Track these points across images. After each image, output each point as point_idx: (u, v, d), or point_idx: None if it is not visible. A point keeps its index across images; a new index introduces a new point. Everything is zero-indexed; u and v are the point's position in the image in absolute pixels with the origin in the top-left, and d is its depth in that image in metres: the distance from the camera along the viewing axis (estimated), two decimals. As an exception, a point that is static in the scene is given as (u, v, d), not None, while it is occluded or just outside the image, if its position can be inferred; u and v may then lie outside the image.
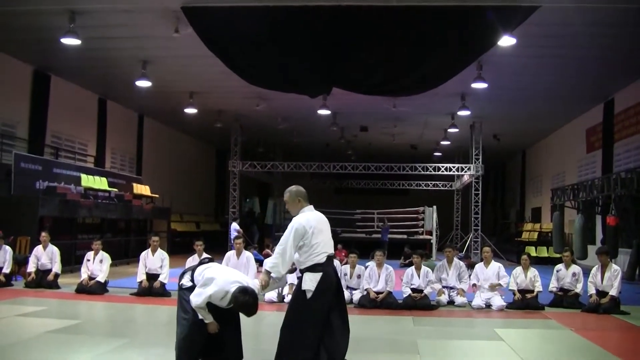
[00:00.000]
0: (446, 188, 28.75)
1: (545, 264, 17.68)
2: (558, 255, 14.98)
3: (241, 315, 5.11)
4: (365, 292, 9.36)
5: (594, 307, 8.91)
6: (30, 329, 6.92)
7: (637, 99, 15.51)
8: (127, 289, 10.52)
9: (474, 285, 9.54)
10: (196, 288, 4.99)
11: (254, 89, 14.81)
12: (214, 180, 30.04)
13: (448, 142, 23.88)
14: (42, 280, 10.54)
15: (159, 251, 10.31)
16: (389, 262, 10.07)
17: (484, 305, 9.26)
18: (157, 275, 10.04)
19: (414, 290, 9.33)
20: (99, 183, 16.57)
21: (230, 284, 4.90)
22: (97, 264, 10.33)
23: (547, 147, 24.73)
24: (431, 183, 28.51)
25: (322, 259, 4.96)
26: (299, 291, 4.99)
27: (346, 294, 9.00)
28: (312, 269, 4.94)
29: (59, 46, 12.23)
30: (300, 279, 5.05)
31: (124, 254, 16.78)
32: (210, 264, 5.34)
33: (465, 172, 22.43)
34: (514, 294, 9.39)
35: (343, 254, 14.22)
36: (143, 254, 10.28)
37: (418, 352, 6.23)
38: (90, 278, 10.21)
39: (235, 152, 22.35)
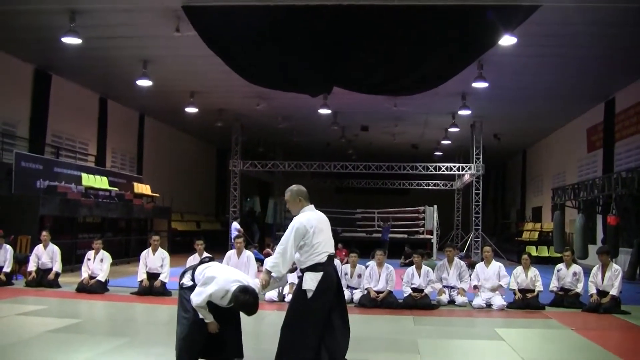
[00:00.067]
0: (447, 187, 28.76)
1: (545, 263, 17.68)
2: (559, 255, 14.97)
3: (242, 315, 5.11)
4: (365, 292, 9.36)
5: (594, 307, 8.90)
6: (30, 328, 6.93)
7: (638, 98, 15.50)
8: (127, 288, 10.52)
9: (476, 287, 9.51)
10: (197, 287, 5.00)
11: (255, 88, 14.80)
12: (214, 180, 30.06)
13: (449, 142, 23.88)
14: (43, 280, 10.55)
15: (160, 250, 10.31)
16: (390, 261, 10.06)
17: (485, 305, 9.26)
18: (158, 275, 10.04)
19: (414, 289, 9.33)
20: (100, 182, 16.58)
21: (230, 283, 4.91)
22: (97, 263, 10.33)
23: (548, 146, 24.72)
24: (432, 182, 28.51)
25: (322, 258, 4.96)
26: (299, 291, 4.99)
27: (347, 293, 9.03)
28: (313, 268, 4.94)
29: (60, 45, 12.23)
30: (300, 278, 5.05)
31: (125, 253, 16.79)
32: (211, 263, 5.35)
33: (466, 171, 22.42)
34: (515, 294, 9.38)
35: (343, 253, 14.21)
36: (144, 253, 10.28)
37: (418, 351, 6.23)
38: (91, 277, 10.22)
39: (236, 152, 22.35)
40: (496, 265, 9.65)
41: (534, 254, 19.29)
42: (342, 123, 21.27)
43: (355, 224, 25.45)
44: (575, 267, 9.69)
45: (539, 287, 9.36)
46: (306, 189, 5.27)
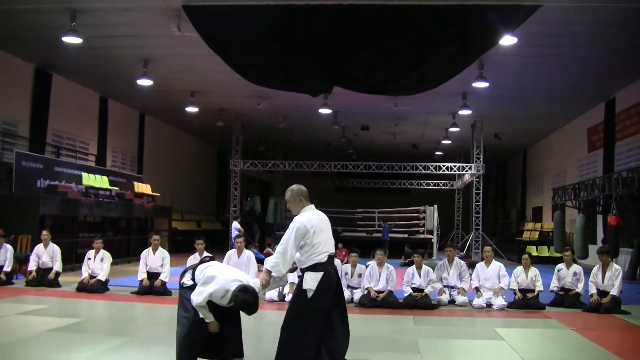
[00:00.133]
0: (447, 187, 28.77)
1: (546, 263, 17.69)
2: (559, 255, 14.98)
3: (242, 314, 5.12)
4: (366, 291, 9.36)
5: (594, 307, 8.90)
6: (31, 328, 6.93)
7: (638, 98, 15.49)
8: (127, 287, 10.52)
9: (477, 289, 9.50)
10: (197, 287, 5.00)
11: (255, 87, 14.81)
12: (214, 179, 30.07)
13: (449, 141, 23.87)
14: (43, 279, 10.55)
15: (160, 250, 10.31)
16: (390, 261, 10.06)
17: (485, 305, 9.25)
18: (158, 274, 10.04)
19: (414, 289, 9.33)
20: (100, 182, 16.59)
21: (230, 283, 4.91)
22: (98, 263, 10.33)
23: (548, 146, 24.72)
24: (432, 182, 28.50)
25: (323, 258, 4.97)
26: (299, 290, 4.99)
27: (347, 293, 9.05)
28: (313, 268, 4.94)
29: (60, 44, 12.24)
30: (301, 278, 5.05)
31: (125, 252, 16.79)
32: (211, 262, 5.35)
33: (466, 171, 22.42)
34: (515, 294, 9.38)
35: (344, 253, 14.22)
36: (144, 252, 10.28)
37: (419, 351, 6.23)
38: (91, 276, 10.22)
39: (236, 151, 22.35)
40: (496, 265, 9.65)
41: (535, 253, 19.30)
42: (342, 123, 21.26)
43: (356, 224, 25.46)
44: (576, 267, 9.69)
45: (539, 287, 9.36)
46: (307, 189, 5.27)
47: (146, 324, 7.99)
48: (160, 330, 7.15)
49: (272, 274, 5.02)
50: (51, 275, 10.56)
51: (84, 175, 15.92)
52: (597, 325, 8.09)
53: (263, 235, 24.39)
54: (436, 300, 9.40)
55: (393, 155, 25.04)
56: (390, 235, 21.82)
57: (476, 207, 21.81)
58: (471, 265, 10.71)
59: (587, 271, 9.65)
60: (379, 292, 9.24)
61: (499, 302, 9.20)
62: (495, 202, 33.85)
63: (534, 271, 9.52)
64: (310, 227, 4.95)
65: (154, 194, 19.54)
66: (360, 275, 9.66)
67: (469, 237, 22.51)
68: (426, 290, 9.32)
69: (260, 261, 11.70)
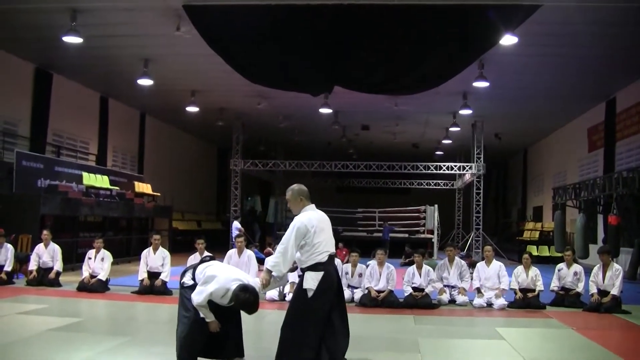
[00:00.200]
0: (448, 187, 28.77)
1: (546, 263, 17.69)
2: (559, 255, 14.97)
3: (242, 314, 5.12)
4: (366, 291, 9.35)
5: (595, 307, 8.89)
6: (31, 327, 6.93)
7: (639, 98, 15.49)
8: (128, 287, 10.52)
9: (478, 290, 9.49)
10: (197, 286, 5.01)
11: (256, 87, 14.82)
12: (215, 179, 30.07)
13: (449, 141, 23.86)
14: (44, 278, 10.55)
15: (161, 249, 10.31)
16: (390, 261, 10.06)
17: (485, 304, 9.25)
18: (159, 274, 10.04)
19: (415, 289, 9.33)
20: (101, 181, 16.59)
21: (231, 282, 4.91)
22: (98, 262, 10.34)
23: (549, 146, 24.71)
24: (433, 182, 28.50)
25: (323, 258, 4.97)
26: (300, 290, 4.99)
27: (347, 292, 9.06)
28: (314, 268, 4.95)
29: (61, 44, 12.24)
30: (301, 277, 5.06)
31: (126, 252, 16.80)
32: (212, 262, 5.35)
33: (467, 171, 22.41)
34: (516, 293, 9.38)
35: (344, 252, 14.21)
36: (144, 252, 10.28)
37: (419, 350, 6.23)
38: (92, 276, 10.22)
39: (237, 151, 22.35)
40: (497, 265, 9.64)
41: (535, 253, 19.31)
42: (343, 122, 21.27)
43: (356, 224, 25.45)
44: (576, 267, 9.69)
45: (539, 286, 9.36)
46: (307, 188, 5.27)
47: (147, 324, 7.99)
48: (161, 329, 7.15)
49: (273, 273, 5.02)
50: (52, 275, 10.57)
51: (85, 175, 15.92)
52: (597, 325, 8.09)
53: (263, 235, 24.39)
54: (436, 300, 9.40)
55: (393, 155, 25.05)
56: (391, 234, 21.82)
57: (477, 206, 21.80)
58: (472, 265, 10.72)
59: (588, 271, 9.65)
60: (379, 291, 9.24)
61: (500, 301, 9.20)
62: (496, 202, 33.86)
63: (534, 271, 9.52)
64: (311, 226, 4.95)
65: (155, 193, 19.55)
66: (360, 275, 9.66)
67: (469, 237, 22.51)
68: (427, 290, 9.33)
69: (260, 261, 11.70)
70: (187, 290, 5.11)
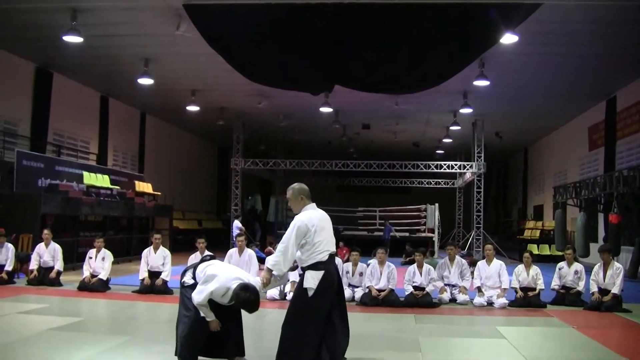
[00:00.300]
0: (448, 186, 28.77)
1: (547, 261, 17.64)
2: (560, 253, 14.95)
3: (243, 313, 5.12)
4: (367, 290, 9.35)
5: (596, 305, 8.89)
6: (32, 327, 6.93)
7: (639, 96, 15.47)
8: (129, 286, 10.53)
9: (479, 289, 9.48)
10: (198, 285, 5.01)
11: (256, 86, 14.82)
12: (215, 178, 30.08)
13: (450, 140, 23.86)
14: (44, 278, 10.55)
15: (161, 249, 10.31)
16: (391, 260, 10.06)
17: (486, 303, 9.25)
18: (159, 273, 10.03)
19: (416, 287, 9.33)
20: (101, 181, 16.60)
21: (231, 281, 4.92)
22: (99, 262, 10.33)
23: (550, 144, 24.70)
24: (433, 181, 28.48)
25: (324, 257, 4.97)
26: (300, 289, 4.99)
27: (348, 291, 9.06)
28: (314, 267, 4.95)
29: (61, 44, 12.25)
30: (302, 276, 5.06)
31: (126, 251, 16.79)
32: (212, 261, 5.36)
33: (468, 169, 22.41)
34: (516, 292, 9.38)
35: (345, 251, 14.22)
36: (145, 251, 10.28)
37: (420, 349, 6.23)
38: (93, 275, 10.22)
39: (237, 150, 22.35)
40: (497, 264, 9.64)
41: (536, 252, 19.26)
42: (343, 121, 21.27)
43: (357, 223, 25.47)
44: (577, 266, 9.69)
45: (540, 285, 9.36)
46: (308, 187, 5.27)
47: (147, 323, 7.99)
48: (162, 329, 7.15)
49: (273, 272, 5.02)
50: (52, 274, 10.57)
51: (85, 174, 15.93)
52: (598, 324, 8.08)
53: (264, 234, 24.41)
54: (437, 299, 9.40)
55: (394, 154, 25.05)
56: (392, 233, 21.82)
57: (477, 205, 21.81)
58: (472, 264, 10.71)
59: (589, 269, 9.65)
60: (380, 290, 9.24)
61: (500, 300, 9.19)
62: (497, 201, 33.85)
63: (535, 269, 9.52)
64: (312, 225, 4.96)
65: (155, 192, 19.56)
66: (361, 274, 9.65)
67: (470, 236, 22.51)
68: (427, 289, 9.32)
69: (261, 260, 11.71)
70: (187, 290, 5.11)
